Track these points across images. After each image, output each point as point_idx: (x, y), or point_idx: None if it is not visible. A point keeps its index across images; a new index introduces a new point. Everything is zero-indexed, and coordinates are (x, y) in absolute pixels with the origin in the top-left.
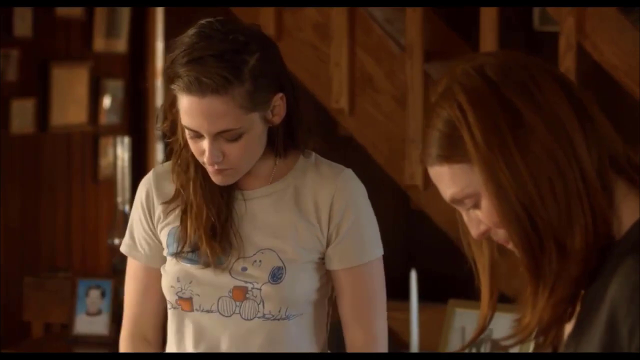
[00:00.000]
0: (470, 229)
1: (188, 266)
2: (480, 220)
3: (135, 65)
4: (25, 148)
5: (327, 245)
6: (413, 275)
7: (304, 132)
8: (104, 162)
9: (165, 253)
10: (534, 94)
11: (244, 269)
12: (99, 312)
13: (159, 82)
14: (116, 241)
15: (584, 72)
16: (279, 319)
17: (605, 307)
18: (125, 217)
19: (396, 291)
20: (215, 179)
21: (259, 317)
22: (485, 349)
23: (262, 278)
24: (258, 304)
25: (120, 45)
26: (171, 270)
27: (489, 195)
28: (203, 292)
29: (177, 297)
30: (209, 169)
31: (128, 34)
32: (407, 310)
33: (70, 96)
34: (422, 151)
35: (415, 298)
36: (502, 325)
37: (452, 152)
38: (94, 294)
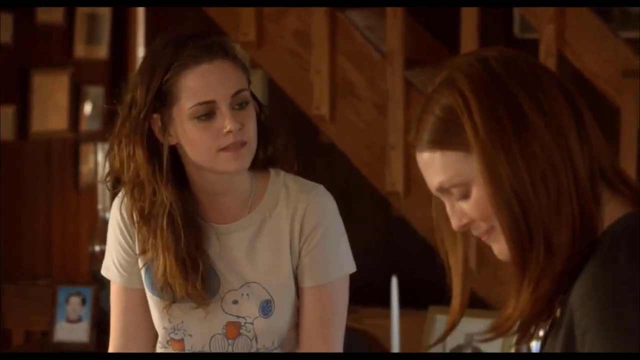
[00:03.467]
0: (451, 220)
1: (178, 305)
2: (463, 212)
3: (116, 71)
4: (5, 155)
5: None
6: (394, 282)
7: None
8: (85, 168)
9: (146, 289)
10: (536, 92)
11: (235, 301)
12: (79, 320)
13: None
14: (97, 248)
15: (564, 79)
16: (271, 350)
17: (567, 311)
18: (106, 224)
19: (377, 298)
20: (235, 163)
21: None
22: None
23: (253, 312)
24: (251, 340)
25: (101, 51)
26: (160, 308)
27: (484, 184)
28: (196, 332)
29: (169, 338)
30: (227, 155)
31: (109, 40)
32: (388, 316)
33: (51, 103)
34: (413, 136)
35: (396, 304)
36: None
37: (446, 139)
38: (75, 301)
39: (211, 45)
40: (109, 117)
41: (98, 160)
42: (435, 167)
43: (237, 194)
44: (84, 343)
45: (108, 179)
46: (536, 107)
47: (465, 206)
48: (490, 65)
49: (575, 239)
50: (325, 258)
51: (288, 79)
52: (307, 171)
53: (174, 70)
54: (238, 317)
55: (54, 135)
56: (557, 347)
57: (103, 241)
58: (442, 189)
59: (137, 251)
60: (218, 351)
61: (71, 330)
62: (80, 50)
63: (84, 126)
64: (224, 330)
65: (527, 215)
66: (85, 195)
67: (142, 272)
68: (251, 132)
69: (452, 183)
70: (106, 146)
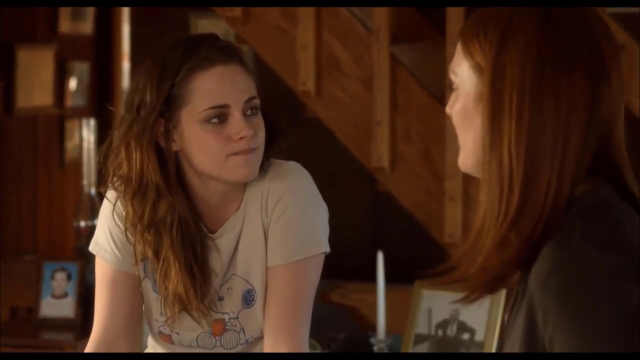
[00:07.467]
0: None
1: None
2: (451, 103)
3: (101, 47)
4: None
5: None
6: (380, 257)
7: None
8: (70, 144)
9: (143, 282)
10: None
11: (221, 298)
12: (64, 295)
13: (125, 64)
14: (82, 224)
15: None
16: (260, 338)
17: (527, 291)
18: (92, 200)
19: (363, 273)
20: (245, 169)
21: (241, 344)
22: (451, 330)
23: (236, 306)
24: (238, 333)
25: (86, 27)
26: (155, 302)
27: (482, 114)
28: (183, 329)
29: (158, 331)
30: (237, 160)
31: (94, 15)
32: (374, 292)
33: (36, 79)
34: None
35: (382, 280)
36: (469, 307)
37: (479, 50)
38: (60, 276)
39: (225, 48)
40: (93, 92)
41: (83, 136)
42: (458, 55)
43: (233, 203)
44: (70, 318)
45: (112, 185)
46: (567, 69)
47: (454, 106)
48: (554, 16)
49: (549, 195)
50: (287, 236)
51: (274, 55)
52: (292, 147)
53: (185, 72)
54: (223, 313)
55: (39, 111)
56: (518, 327)
57: (88, 217)
58: (452, 71)
59: (135, 259)
60: (205, 346)
61: (57, 305)
62: (65, 25)
63: (69, 102)
64: (210, 329)
65: (512, 159)
66: (70, 171)
67: (141, 271)
68: (261, 139)
69: (454, 75)
70: (91, 121)
